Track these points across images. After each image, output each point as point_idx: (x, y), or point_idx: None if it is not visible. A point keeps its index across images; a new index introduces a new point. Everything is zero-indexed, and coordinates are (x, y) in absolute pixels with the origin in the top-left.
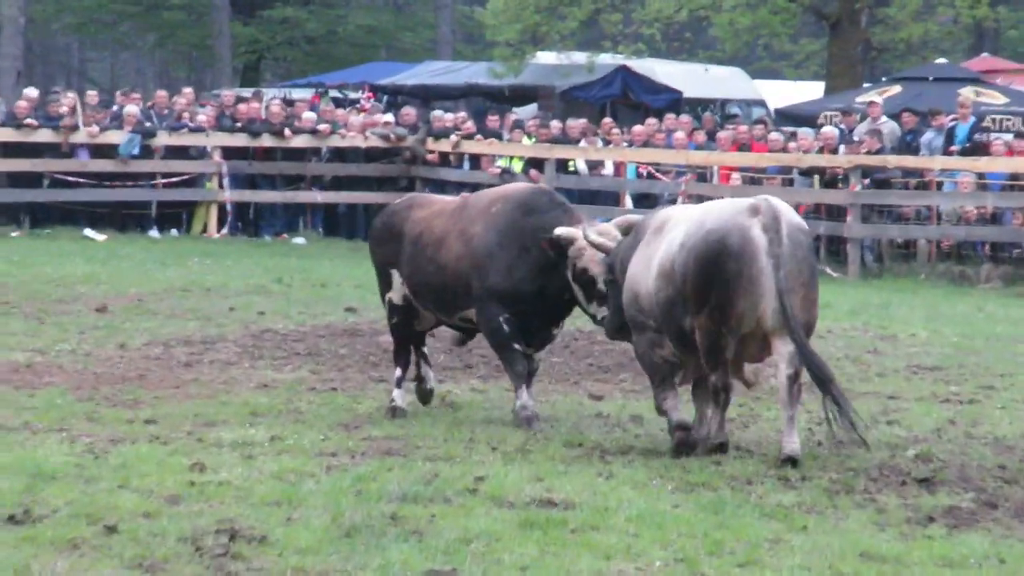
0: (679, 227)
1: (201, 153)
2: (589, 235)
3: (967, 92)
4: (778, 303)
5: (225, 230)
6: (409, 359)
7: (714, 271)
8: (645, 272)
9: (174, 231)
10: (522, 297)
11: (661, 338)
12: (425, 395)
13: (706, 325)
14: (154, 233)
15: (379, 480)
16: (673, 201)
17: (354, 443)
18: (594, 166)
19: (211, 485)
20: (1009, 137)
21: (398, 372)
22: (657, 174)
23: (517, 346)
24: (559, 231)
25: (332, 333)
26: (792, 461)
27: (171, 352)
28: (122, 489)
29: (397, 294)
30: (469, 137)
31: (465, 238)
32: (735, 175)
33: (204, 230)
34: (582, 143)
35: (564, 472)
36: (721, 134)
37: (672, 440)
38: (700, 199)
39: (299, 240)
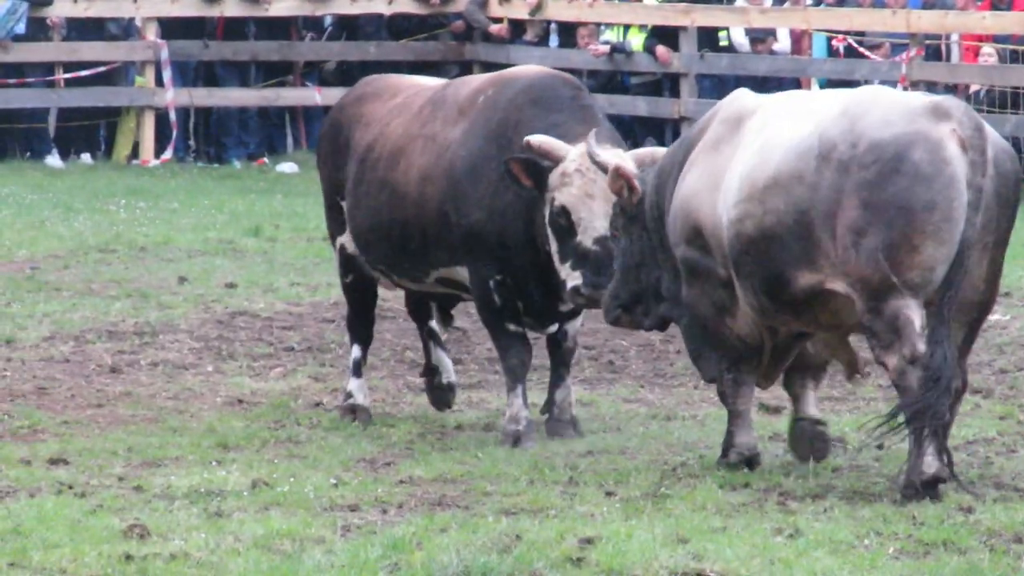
0: (784, 120)
1: (126, 31)
2: (594, 152)
3: None
4: (961, 260)
5: (168, 154)
6: (369, 333)
7: (888, 200)
8: (712, 188)
9: (85, 156)
10: (519, 246)
11: (734, 300)
12: (442, 395)
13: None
14: (53, 160)
15: (427, 548)
16: None
17: (385, 489)
18: (761, 38)
19: (158, 561)
20: None
21: (355, 352)
22: (862, 49)
23: (512, 326)
24: (535, 139)
25: (342, 316)
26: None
27: (87, 351)
28: (15, 571)
29: (349, 238)
30: None
31: (436, 147)
32: (988, 48)
33: (134, 155)
34: (740, 0)
35: (721, 529)
36: None
37: (722, 464)
38: (929, 91)
39: (286, 167)
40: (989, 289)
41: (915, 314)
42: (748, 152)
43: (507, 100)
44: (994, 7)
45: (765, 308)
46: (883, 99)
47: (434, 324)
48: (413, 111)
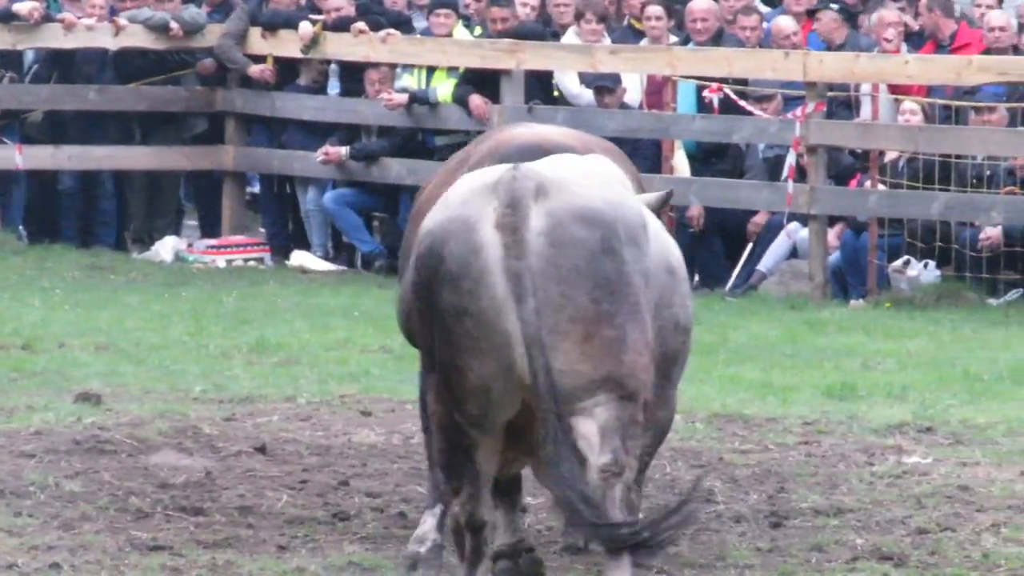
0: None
1: None
2: None
3: None
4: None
5: None
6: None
7: (429, 308)
8: None
9: None
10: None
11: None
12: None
13: (436, 409)
14: None
15: None
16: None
17: None
18: (610, 87)
19: None
20: None
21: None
22: (744, 103)
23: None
24: None
25: (55, 450)
26: None
27: None
28: None
29: None
30: (341, 27)
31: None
32: (909, 103)
33: None
34: (570, 34)
35: None
36: (884, 12)
37: None
38: (832, 157)
39: None
40: (600, 363)
41: (480, 453)
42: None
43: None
44: (939, 48)
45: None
46: (474, 175)
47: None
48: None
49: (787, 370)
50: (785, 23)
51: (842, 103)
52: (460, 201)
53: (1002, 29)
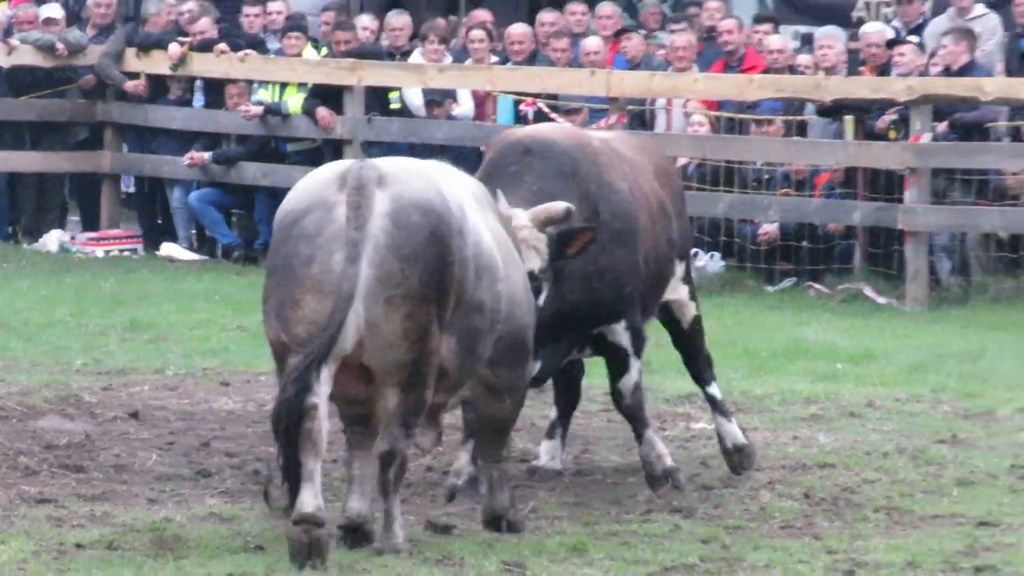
0: None
1: None
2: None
3: None
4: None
5: None
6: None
7: (284, 260)
8: None
9: None
10: None
11: None
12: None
13: (272, 339)
14: None
15: None
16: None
17: None
18: (439, 100)
19: None
20: None
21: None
22: (555, 115)
23: None
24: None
25: None
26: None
27: None
28: None
29: None
30: (205, 48)
31: None
32: (698, 115)
33: None
34: (415, 55)
35: None
36: (676, 37)
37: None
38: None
39: None
40: (413, 347)
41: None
42: None
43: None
44: (727, 68)
45: None
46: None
47: (713, 390)
48: None
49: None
50: (591, 44)
51: (638, 116)
52: (319, 184)
53: (779, 51)
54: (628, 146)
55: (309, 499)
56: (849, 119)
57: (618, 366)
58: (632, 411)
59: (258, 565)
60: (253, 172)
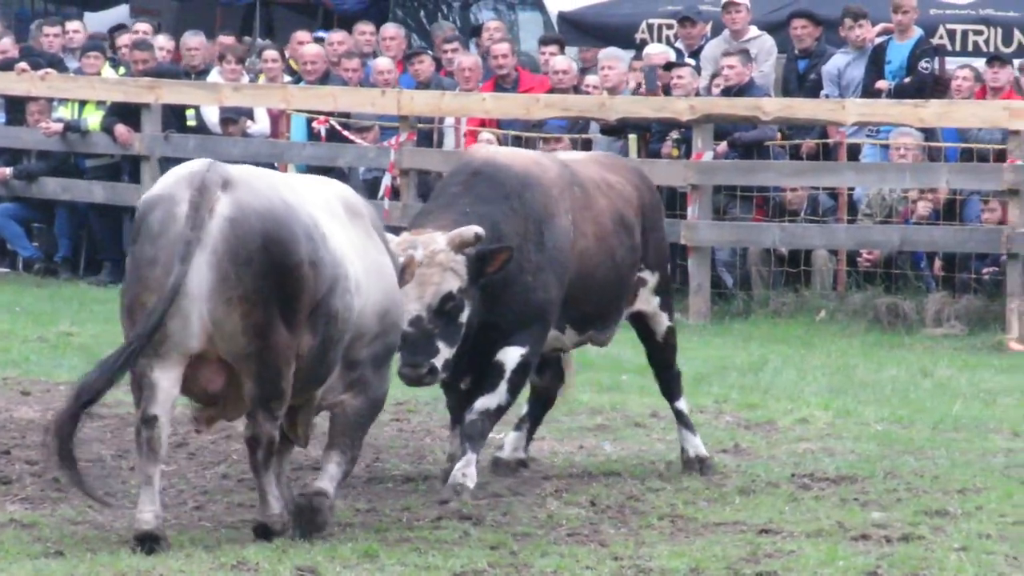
0: None
1: None
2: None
3: None
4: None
5: None
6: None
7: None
8: None
9: None
10: None
11: None
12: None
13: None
14: None
15: None
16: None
17: None
18: (234, 118)
19: None
20: (980, 64)
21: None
22: (347, 132)
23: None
24: None
25: None
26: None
27: None
28: None
29: None
30: (6, 67)
31: None
32: (487, 134)
33: None
34: (214, 73)
35: None
36: (463, 58)
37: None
38: (421, 179)
39: None
40: (254, 342)
41: (155, 373)
42: None
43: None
44: (498, 87)
45: None
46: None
47: (680, 405)
48: None
49: None
50: (383, 64)
51: (426, 134)
52: (169, 183)
53: (564, 72)
54: (597, 166)
55: (147, 510)
56: (633, 137)
57: (490, 385)
58: (469, 430)
59: (58, 571)
60: (53, 187)
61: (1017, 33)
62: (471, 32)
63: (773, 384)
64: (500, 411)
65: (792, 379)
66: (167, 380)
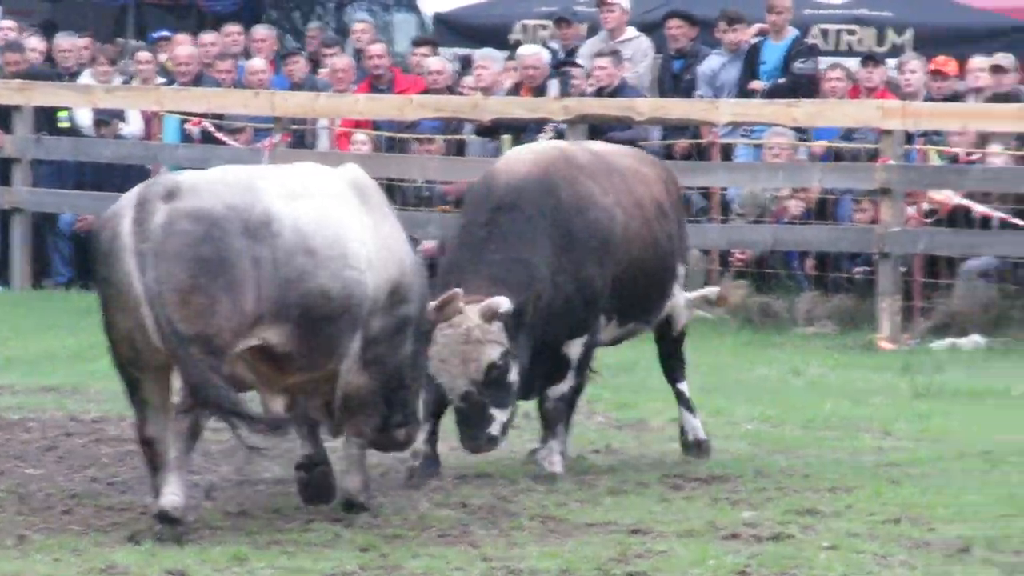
0: None
1: None
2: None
3: None
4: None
5: None
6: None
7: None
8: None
9: None
10: None
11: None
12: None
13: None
14: None
15: None
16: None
17: None
18: (106, 120)
19: None
20: (853, 64)
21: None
22: (220, 134)
23: None
24: None
25: None
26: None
27: None
28: None
29: None
30: None
31: None
32: (361, 134)
33: None
34: (86, 75)
35: None
36: (336, 59)
37: None
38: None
39: None
40: (191, 328)
41: (144, 388)
42: None
43: None
44: (373, 88)
45: None
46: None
47: (682, 386)
48: None
49: None
50: (256, 65)
51: (300, 135)
52: (119, 202)
53: (439, 72)
54: (630, 158)
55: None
56: (507, 138)
57: (559, 376)
58: (549, 416)
59: None
60: None
61: (891, 33)
62: (345, 33)
63: (645, 384)
64: (574, 393)
65: (663, 379)
66: (156, 395)
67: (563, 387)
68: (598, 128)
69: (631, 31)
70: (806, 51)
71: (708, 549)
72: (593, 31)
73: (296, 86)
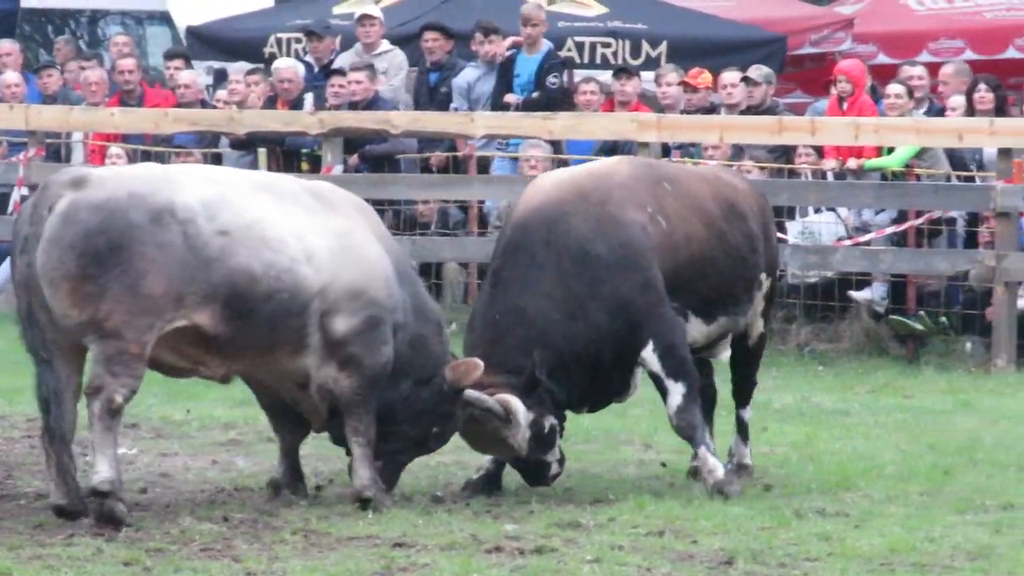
0: None
1: None
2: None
3: None
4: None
5: None
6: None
7: None
8: None
9: None
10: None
11: None
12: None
13: None
14: None
15: None
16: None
17: None
18: None
19: None
20: (607, 77)
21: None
22: None
23: None
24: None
25: None
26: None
27: None
28: None
29: None
30: None
31: None
32: (116, 148)
33: None
34: None
35: None
36: (89, 72)
37: None
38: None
39: None
40: (84, 313)
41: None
42: None
43: None
44: (123, 103)
45: None
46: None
47: (745, 414)
48: None
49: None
50: (10, 79)
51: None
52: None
53: (187, 86)
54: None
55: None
56: (263, 151)
57: (660, 392)
58: (683, 433)
59: None
60: None
61: (645, 45)
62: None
63: None
64: (690, 395)
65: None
66: (71, 376)
67: (673, 400)
68: (353, 141)
69: (385, 44)
70: (559, 66)
71: (471, 562)
72: (347, 44)
73: (50, 99)
